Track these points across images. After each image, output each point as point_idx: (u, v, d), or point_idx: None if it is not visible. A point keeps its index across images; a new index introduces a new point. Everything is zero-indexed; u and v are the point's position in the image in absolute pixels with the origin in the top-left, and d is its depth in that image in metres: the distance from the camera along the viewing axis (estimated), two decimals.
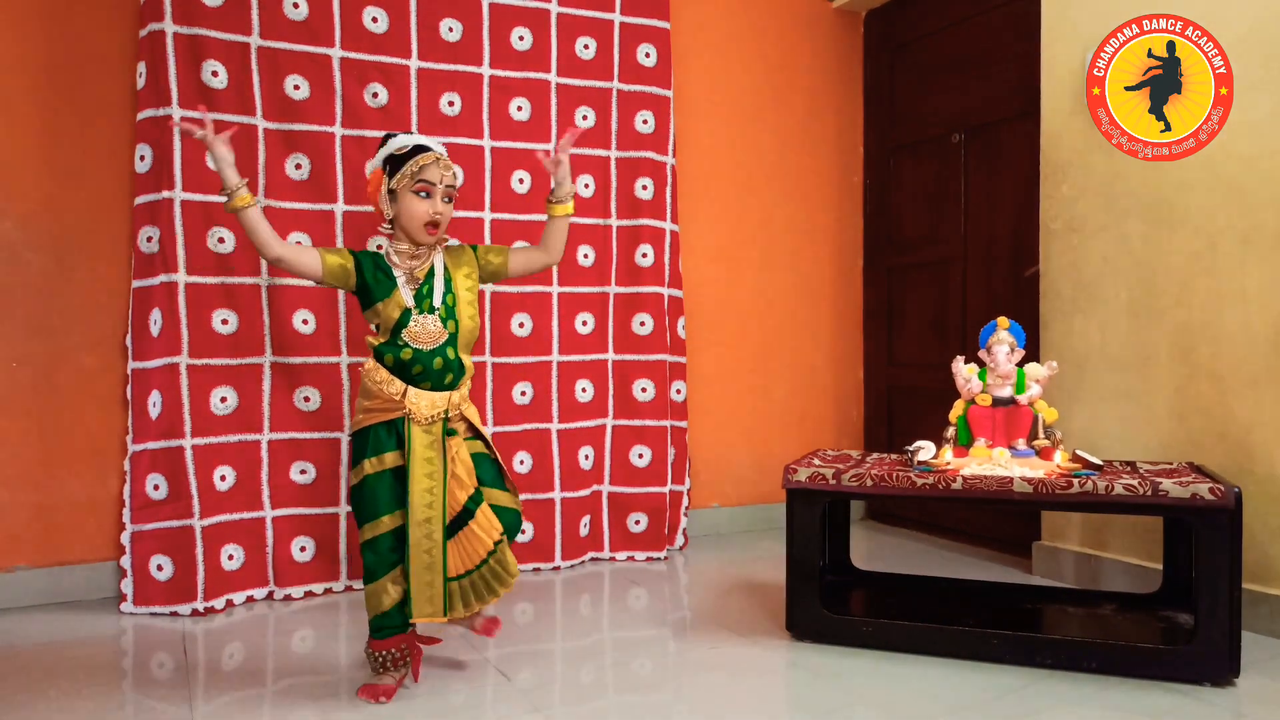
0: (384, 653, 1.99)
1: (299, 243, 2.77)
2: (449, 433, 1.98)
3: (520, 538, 3.02)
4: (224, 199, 1.87)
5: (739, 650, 2.29)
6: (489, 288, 3.01)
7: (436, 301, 1.97)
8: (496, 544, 1.99)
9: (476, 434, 2.07)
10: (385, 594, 1.96)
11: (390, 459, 1.95)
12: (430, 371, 1.96)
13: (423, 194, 1.96)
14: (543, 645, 2.33)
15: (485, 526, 1.98)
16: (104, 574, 2.73)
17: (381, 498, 1.95)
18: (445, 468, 1.95)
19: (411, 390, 1.95)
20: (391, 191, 1.97)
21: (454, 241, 2.10)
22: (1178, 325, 2.56)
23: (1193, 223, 2.52)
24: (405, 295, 1.96)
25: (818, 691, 2.02)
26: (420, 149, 1.98)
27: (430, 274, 1.99)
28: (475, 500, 1.99)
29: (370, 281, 1.96)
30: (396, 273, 1.97)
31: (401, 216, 1.97)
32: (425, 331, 1.95)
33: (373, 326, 2.00)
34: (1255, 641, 2.28)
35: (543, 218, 3.06)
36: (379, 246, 2.10)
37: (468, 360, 2.03)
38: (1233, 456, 2.43)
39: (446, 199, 1.99)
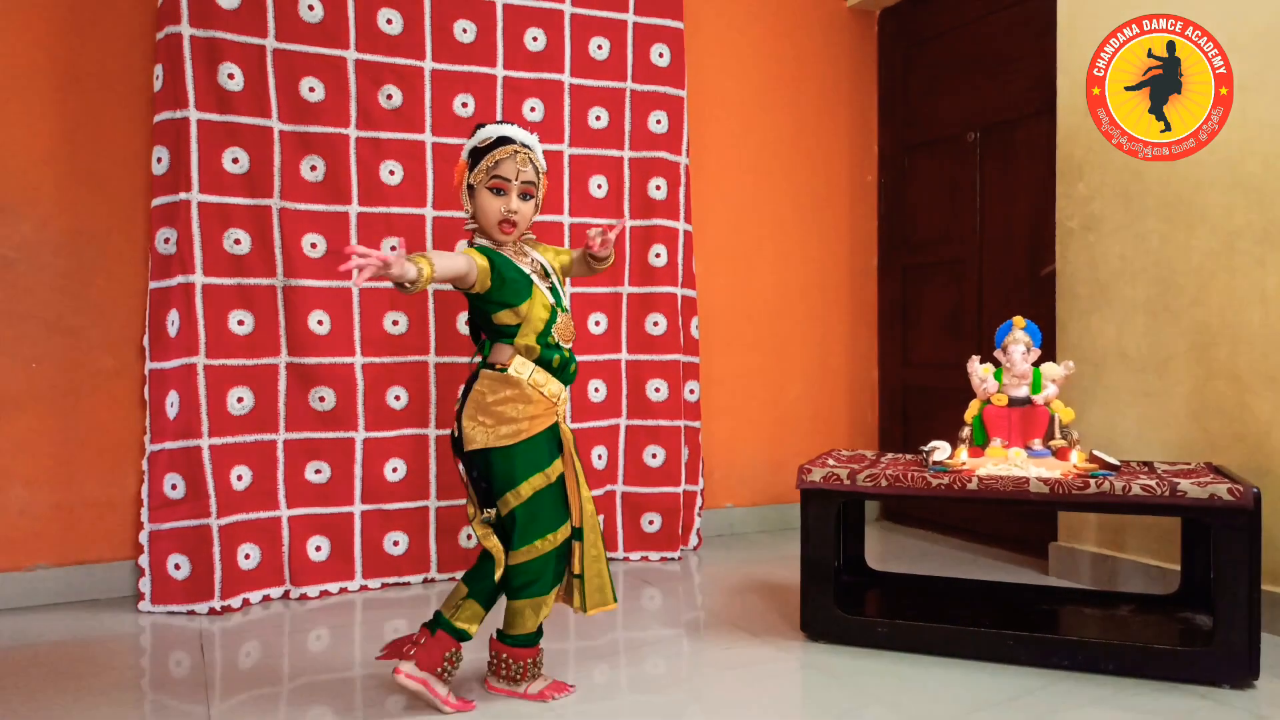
0: (530, 661, 1.97)
1: (314, 246, 2.79)
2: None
3: None
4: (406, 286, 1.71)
5: (753, 651, 2.28)
6: None
7: (566, 301, 1.96)
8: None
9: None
10: (547, 605, 1.94)
11: (556, 467, 1.92)
12: (569, 374, 1.96)
13: (497, 190, 1.89)
14: (556, 645, 2.33)
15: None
16: (122, 573, 2.75)
17: (556, 510, 1.91)
18: (578, 465, 1.97)
19: (561, 394, 1.94)
20: (471, 187, 1.92)
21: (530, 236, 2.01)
22: (1196, 324, 2.54)
23: (1211, 221, 2.50)
24: (545, 292, 1.91)
25: (832, 692, 2.02)
26: (502, 140, 1.89)
27: (546, 273, 1.95)
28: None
29: (509, 278, 1.86)
30: (525, 269, 1.91)
31: (478, 214, 1.92)
32: (567, 330, 1.94)
33: (501, 328, 1.88)
34: (1275, 643, 2.26)
35: (555, 218, 3.09)
36: (472, 243, 1.95)
37: None
38: (1252, 456, 2.41)
39: (524, 196, 1.91)
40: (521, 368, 1.88)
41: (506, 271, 1.87)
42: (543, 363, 1.90)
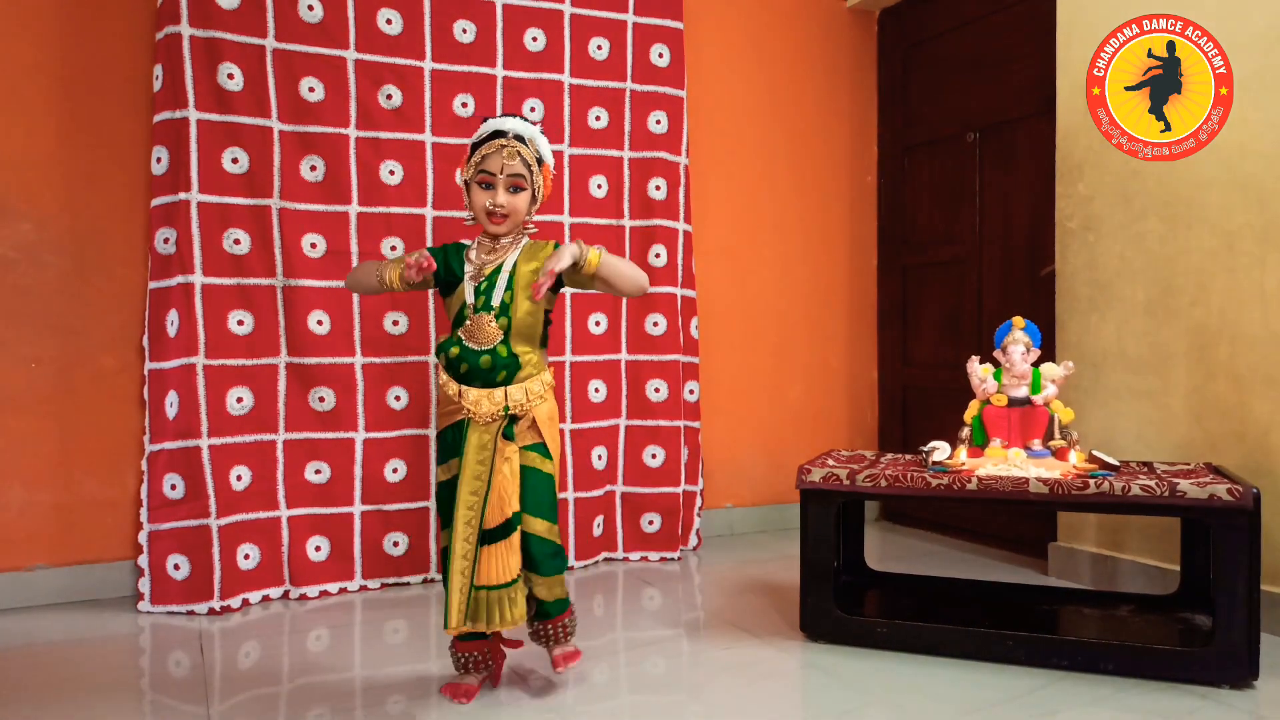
0: (465, 655, 1.96)
1: (314, 246, 2.79)
2: (507, 435, 1.90)
3: None
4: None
5: (753, 651, 2.28)
6: None
7: (494, 300, 1.90)
8: (510, 583, 1.87)
9: (539, 445, 1.96)
10: (449, 600, 1.89)
11: (455, 465, 1.91)
12: (476, 369, 1.89)
13: (485, 185, 1.91)
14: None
15: (506, 558, 1.87)
16: (121, 573, 2.75)
17: (448, 505, 1.91)
18: (492, 471, 1.88)
19: (466, 389, 1.89)
20: (466, 184, 1.95)
21: (523, 237, 2.00)
22: (1195, 324, 2.54)
23: (1211, 221, 2.50)
24: (467, 291, 1.92)
25: (832, 692, 2.02)
26: (494, 135, 1.90)
27: (497, 271, 1.92)
28: (516, 521, 1.90)
29: (446, 276, 1.94)
30: (467, 267, 1.94)
31: (471, 208, 1.94)
32: (480, 330, 1.89)
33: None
34: (1274, 644, 2.26)
35: (557, 218, 3.09)
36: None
37: (528, 354, 1.92)
38: (1251, 457, 2.41)
39: (513, 189, 1.91)
40: (439, 363, 1.95)
41: (442, 268, 1.95)
42: (439, 353, 1.94)
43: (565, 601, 2.00)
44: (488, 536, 1.87)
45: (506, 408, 1.89)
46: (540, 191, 1.96)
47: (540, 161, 1.95)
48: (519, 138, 1.91)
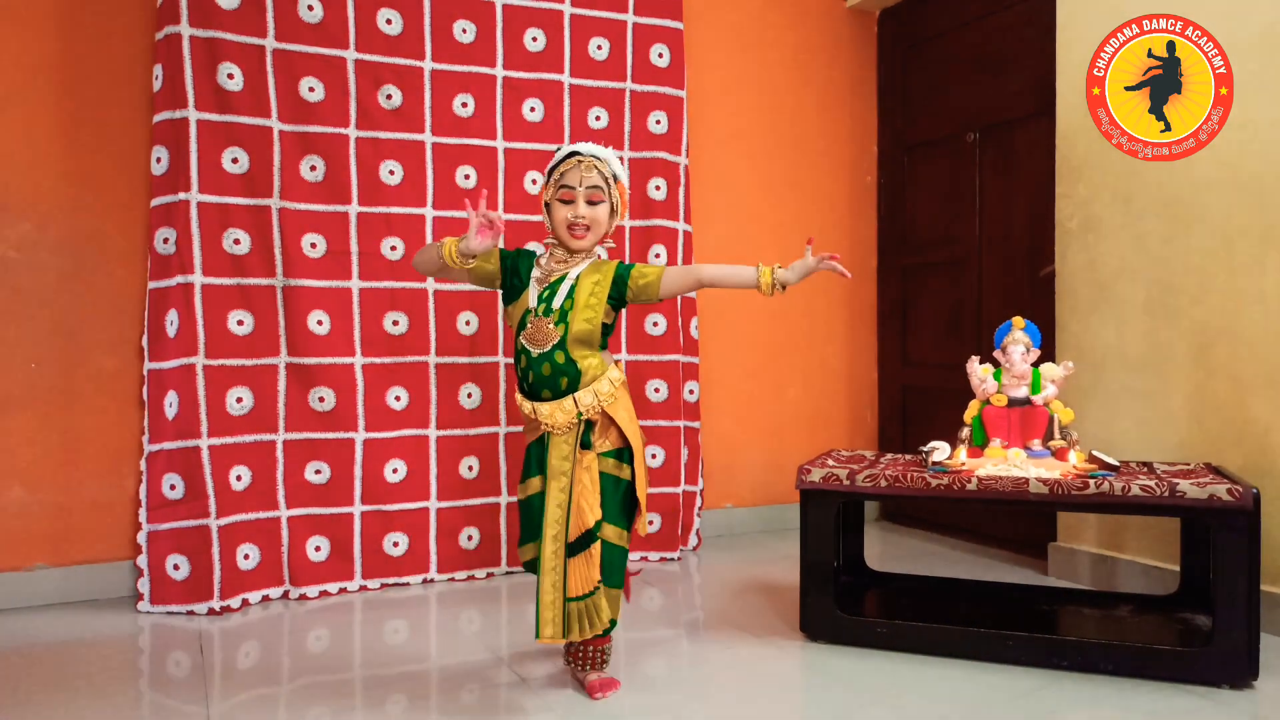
0: (575, 658, 2.03)
1: (314, 246, 2.79)
2: (584, 444, 1.93)
3: None
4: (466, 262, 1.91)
5: (753, 651, 2.28)
6: None
7: (555, 304, 1.93)
8: (591, 593, 1.89)
9: (618, 450, 1.98)
10: (540, 615, 1.91)
11: (534, 484, 1.96)
12: (541, 378, 1.91)
13: (565, 200, 1.95)
14: (556, 645, 2.33)
15: (586, 570, 1.90)
16: (121, 573, 2.75)
17: (526, 526, 1.98)
18: (573, 480, 1.91)
19: (537, 405, 1.92)
20: (547, 205, 2.00)
21: (603, 252, 2.05)
22: (1195, 325, 2.54)
23: (1211, 222, 2.50)
24: (531, 295, 1.95)
25: (831, 693, 2.02)
26: (570, 155, 1.97)
27: (562, 279, 1.96)
28: (595, 531, 1.92)
29: (511, 283, 1.98)
30: (535, 272, 1.98)
31: (552, 223, 1.99)
32: (539, 331, 1.92)
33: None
34: (1274, 644, 2.26)
35: None
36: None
37: (588, 360, 1.93)
38: (1251, 457, 2.41)
39: (591, 202, 1.95)
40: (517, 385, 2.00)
41: (512, 278, 1.98)
42: (516, 367, 1.98)
43: (613, 623, 1.97)
44: (571, 549, 1.90)
45: (580, 414, 1.92)
46: (619, 205, 2.01)
47: (616, 178, 2.02)
48: (595, 156, 1.98)
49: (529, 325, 1.93)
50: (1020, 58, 3.29)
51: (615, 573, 1.96)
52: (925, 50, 3.75)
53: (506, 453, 3.04)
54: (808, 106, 3.79)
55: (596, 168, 1.96)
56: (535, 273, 1.98)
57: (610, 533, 1.95)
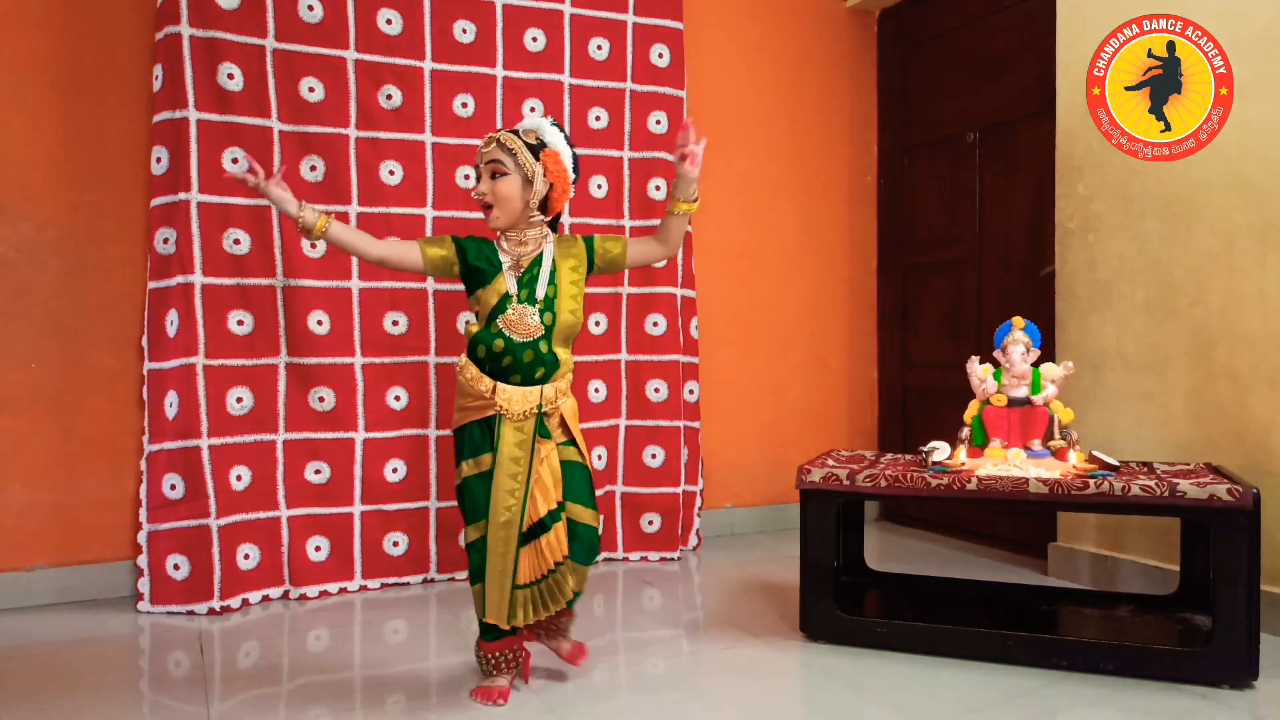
0: (494, 655, 1.96)
1: (314, 246, 2.78)
2: (542, 433, 1.92)
3: None
4: (303, 233, 1.86)
5: (753, 651, 2.28)
6: None
7: (539, 293, 1.91)
8: (558, 565, 1.91)
9: (572, 440, 1.99)
10: (487, 598, 1.91)
11: (486, 460, 1.91)
12: (520, 364, 1.89)
13: (477, 178, 1.95)
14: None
15: (554, 546, 1.90)
16: (121, 573, 2.75)
17: (480, 500, 1.90)
18: (530, 470, 1.90)
19: (501, 386, 1.89)
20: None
21: (548, 232, 2.01)
22: (1195, 325, 2.54)
23: (1210, 221, 2.50)
24: (509, 281, 1.92)
25: (831, 693, 2.02)
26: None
27: (536, 262, 1.93)
28: (554, 516, 1.92)
29: (474, 266, 1.92)
30: (503, 258, 1.94)
31: None
32: (521, 322, 1.89)
33: (472, 315, 1.97)
34: (1274, 644, 2.26)
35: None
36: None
37: (564, 354, 1.95)
38: (1251, 457, 2.41)
39: (493, 175, 1.91)
40: (463, 361, 1.94)
41: (473, 259, 1.93)
42: (476, 345, 1.91)
43: (577, 595, 2.00)
44: (524, 538, 1.90)
45: (540, 405, 1.91)
46: (535, 175, 1.91)
47: (536, 148, 1.94)
48: (507, 131, 1.94)
49: (509, 311, 1.90)
50: (1020, 58, 3.29)
51: (591, 553, 1.99)
52: (925, 50, 3.75)
53: None
54: (808, 106, 3.79)
55: (498, 140, 1.92)
56: (504, 259, 1.93)
57: (587, 515, 1.97)
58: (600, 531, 2.03)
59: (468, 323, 1.97)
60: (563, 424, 1.98)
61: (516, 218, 1.93)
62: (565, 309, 1.93)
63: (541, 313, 1.91)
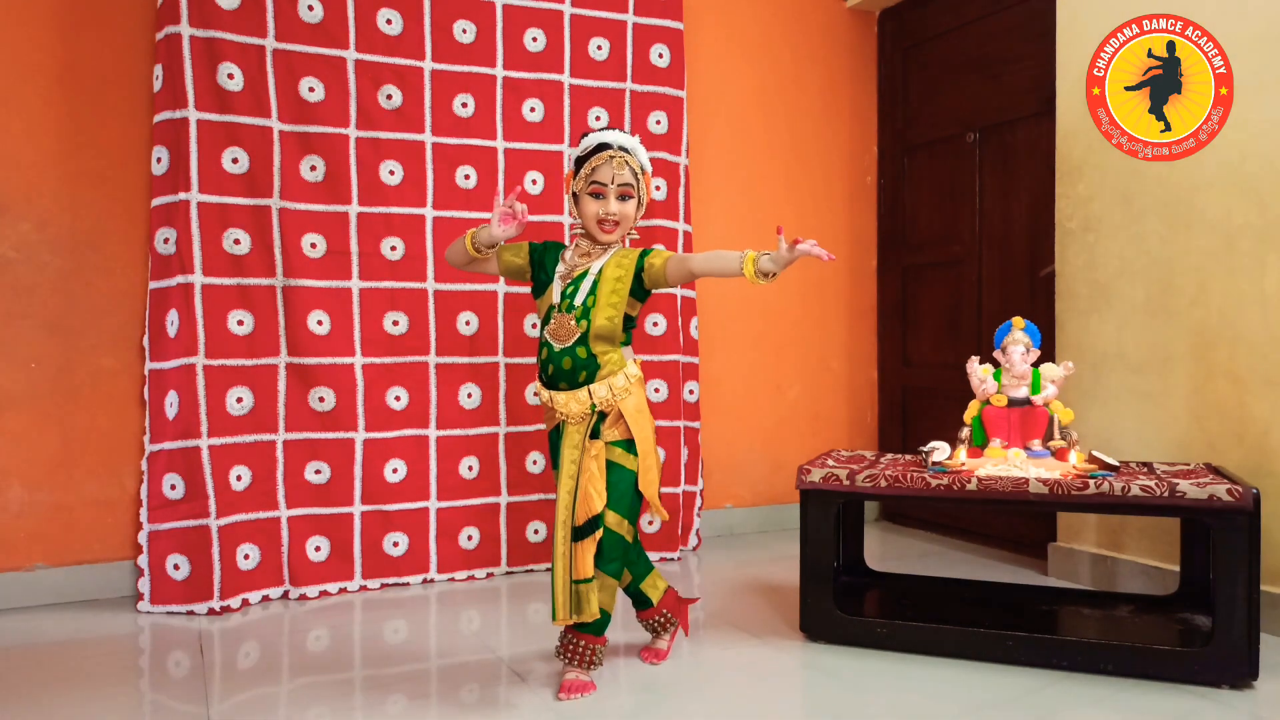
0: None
1: (314, 246, 2.79)
2: (594, 433, 1.97)
3: (534, 537, 3.04)
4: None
5: (752, 651, 2.28)
6: (502, 288, 3.03)
7: (577, 300, 1.97)
8: (589, 579, 1.93)
9: (623, 440, 1.99)
10: (555, 597, 1.95)
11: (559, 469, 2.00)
12: (560, 370, 1.96)
13: (596, 195, 1.98)
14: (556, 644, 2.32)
15: (589, 554, 1.94)
16: (121, 573, 2.75)
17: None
18: (580, 468, 1.94)
19: (556, 395, 1.97)
20: (575, 195, 2.01)
21: (617, 244, 2.04)
22: (1195, 325, 2.54)
23: (1210, 222, 2.50)
24: (555, 290, 1.99)
25: (831, 693, 2.02)
26: (601, 147, 1.98)
27: (585, 274, 1.99)
28: (600, 519, 1.95)
29: (539, 277, 2.04)
30: (560, 268, 2.01)
31: (581, 216, 2.02)
32: (562, 327, 1.95)
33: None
34: (1274, 644, 2.26)
35: (558, 218, 3.08)
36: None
37: (607, 354, 1.96)
38: (1251, 457, 2.41)
39: (622, 198, 1.98)
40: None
41: (539, 273, 2.04)
42: (538, 354, 2.02)
43: (606, 619, 2.00)
44: (578, 533, 1.93)
45: (594, 405, 1.95)
46: (645, 198, 2.04)
47: (643, 170, 2.03)
48: (624, 149, 1.99)
49: (553, 320, 1.97)
50: (1020, 58, 3.29)
51: (612, 561, 1.98)
52: (925, 50, 3.75)
53: (506, 453, 3.04)
54: (808, 106, 3.79)
55: (628, 164, 1.98)
56: (560, 268, 2.01)
57: (610, 519, 1.96)
58: (629, 535, 2.01)
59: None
60: (622, 422, 1.99)
61: (622, 236, 2.04)
62: (602, 315, 1.96)
63: (578, 319, 1.96)
